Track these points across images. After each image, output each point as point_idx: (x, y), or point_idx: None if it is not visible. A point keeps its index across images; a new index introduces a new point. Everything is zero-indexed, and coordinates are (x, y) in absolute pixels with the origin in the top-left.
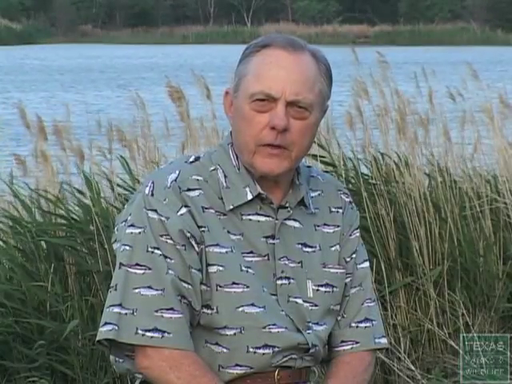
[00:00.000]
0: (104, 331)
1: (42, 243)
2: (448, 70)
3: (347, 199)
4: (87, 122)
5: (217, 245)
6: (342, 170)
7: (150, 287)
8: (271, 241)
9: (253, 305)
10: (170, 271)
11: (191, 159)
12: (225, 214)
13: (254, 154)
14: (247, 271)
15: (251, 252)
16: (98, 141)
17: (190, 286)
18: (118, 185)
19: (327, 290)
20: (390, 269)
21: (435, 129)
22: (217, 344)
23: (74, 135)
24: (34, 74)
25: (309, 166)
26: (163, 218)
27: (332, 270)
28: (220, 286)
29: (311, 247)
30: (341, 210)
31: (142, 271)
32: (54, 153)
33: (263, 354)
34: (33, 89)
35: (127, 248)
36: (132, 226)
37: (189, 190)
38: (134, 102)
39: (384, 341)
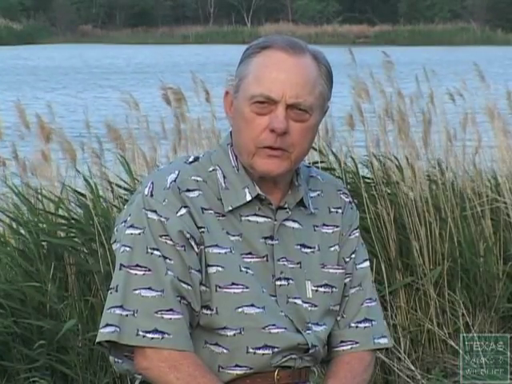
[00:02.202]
0: (105, 333)
1: (43, 243)
2: (448, 70)
3: (347, 199)
4: (86, 123)
5: (216, 245)
6: (342, 170)
7: (150, 288)
8: (270, 242)
9: (252, 305)
10: (170, 272)
11: (190, 159)
12: (224, 215)
13: (254, 155)
14: (246, 272)
15: (250, 253)
16: (97, 141)
17: (189, 287)
18: (118, 185)
19: (326, 290)
20: (390, 269)
21: (436, 129)
22: (217, 344)
23: (72, 135)
24: (25, 75)
25: (308, 166)
26: (163, 219)
27: (331, 271)
28: (219, 287)
29: (310, 248)
30: (340, 210)
31: (142, 272)
32: (55, 153)
33: (263, 354)
34: (30, 89)
35: (127, 249)
36: (131, 226)
37: (188, 190)
38: (128, 103)
39: (384, 341)
